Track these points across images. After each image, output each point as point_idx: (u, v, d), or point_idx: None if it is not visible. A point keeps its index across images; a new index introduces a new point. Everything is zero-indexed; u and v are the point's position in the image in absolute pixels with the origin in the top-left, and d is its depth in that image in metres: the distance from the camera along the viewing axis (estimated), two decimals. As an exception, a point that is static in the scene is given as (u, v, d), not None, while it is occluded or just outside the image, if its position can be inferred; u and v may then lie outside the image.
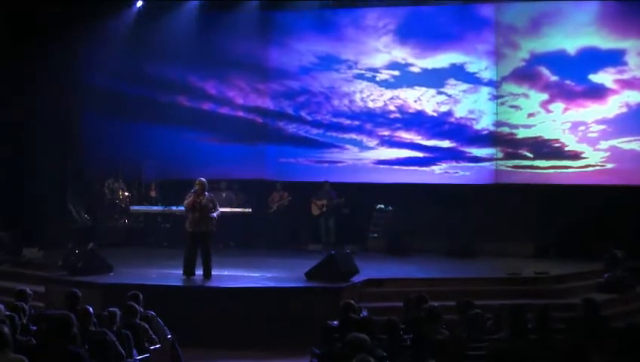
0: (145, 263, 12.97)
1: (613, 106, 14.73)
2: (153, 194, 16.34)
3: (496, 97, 15.58)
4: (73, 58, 15.60)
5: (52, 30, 15.23)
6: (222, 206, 15.13)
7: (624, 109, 14.68)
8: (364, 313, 8.47)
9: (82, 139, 16.03)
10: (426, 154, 15.96)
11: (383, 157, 16.19)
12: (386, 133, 16.18)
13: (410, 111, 16.05)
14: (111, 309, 7.64)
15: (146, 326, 8.01)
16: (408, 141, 16.05)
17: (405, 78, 16.02)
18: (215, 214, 11.42)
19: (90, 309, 7.44)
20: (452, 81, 15.79)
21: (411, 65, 16.00)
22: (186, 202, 11.42)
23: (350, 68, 16.31)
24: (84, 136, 16.03)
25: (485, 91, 15.66)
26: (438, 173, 15.94)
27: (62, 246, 13.05)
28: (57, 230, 14.81)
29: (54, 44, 15.19)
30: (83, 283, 10.72)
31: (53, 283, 11.27)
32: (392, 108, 16.16)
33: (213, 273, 11.45)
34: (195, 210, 11.27)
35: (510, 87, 15.48)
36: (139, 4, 16.38)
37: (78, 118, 15.99)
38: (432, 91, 15.91)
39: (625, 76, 14.67)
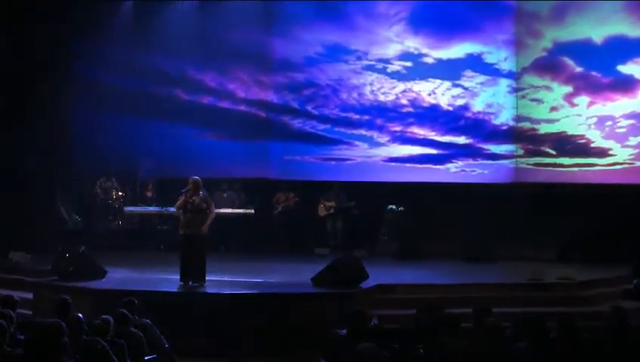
0: (140, 268, 13.01)
1: (643, 100, 14.72)
2: (149, 194, 16.37)
3: (516, 90, 15.57)
4: (64, 48, 15.63)
5: (43, 20, 15.27)
6: (223, 207, 15.27)
7: (655, 103, 14.68)
8: (375, 321, 8.49)
9: (73, 135, 16.07)
10: (441, 151, 15.95)
11: (394, 155, 16.18)
12: (398, 128, 16.18)
13: (424, 105, 16.05)
14: (104, 317, 7.67)
15: (142, 335, 8.04)
16: (422, 137, 16.05)
17: (418, 69, 16.02)
18: (210, 216, 11.38)
19: (82, 317, 7.47)
20: (469, 73, 15.78)
21: (425, 55, 15.99)
22: (177, 203, 11.47)
23: (359, 59, 16.31)
24: (74, 132, 16.07)
25: (504, 83, 15.65)
26: (454, 171, 15.93)
27: (51, 250, 13.08)
28: (46, 232, 14.85)
29: (45, 34, 15.24)
30: (74, 288, 10.76)
31: (42, 288, 11.31)
32: (404, 101, 16.16)
33: (213, 278, 11.46)
34: (186, 211, 11.29)
35: (531, 79, 15.46)
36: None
37: (69, 113, 16.02)
38: (448, 84, 15.91)
39: (656, 67, 14.67)
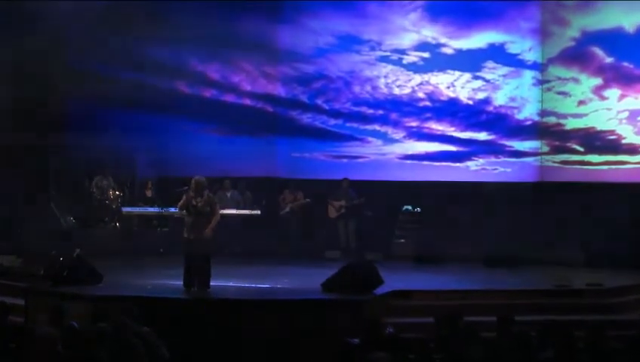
0: (139, 272, 13.03)
1: (678, 93, 14.69)
2: (149, 193, 16.40)
3: (541, 82, 15.55)
4: (55, 36, 15.66)
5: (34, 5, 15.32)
6: (227, 207, 15.28)
7: (691, 96, 14.64)
8: (390, 329, 8.48)
9: (66, 130, 16.09)
10: (460, 148, 15.94)
11: (410, 152, 16.18)
12: (414, 123, 16.18)
13: (442, 98, 16.04)
14: (100, 325, 7.68)
15: (141, 343, 8.05)
16: (440, 133, 16.04)
17: (436, 60, 16.01)
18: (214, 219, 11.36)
19: (77, 325, 7.48)
20: (490, 64, 15.76)
21: (443, 45, 15.97)
22: (179, 203, 11.49)
23: (373, 49, 16.31)
24: (68, 127, 16.09)
25: (529, 75, 15.64)
26: (474, 169, 15.92)
27: (44, 253, 13.12)
28: (39, 234, 14.88)
29: (35, 21, 15.27)
30: (69, 294, 10.78)
31: (34, 294, 11.33)
32: (421, 95, 16.15)
33: (218, 284, 11.47)
34: (189, 213, 11.29)
35: (558, 71, 15.44)
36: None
37: (62, 106, 16.04)
38: (468, 76, 15.90)
39: (692, 58, 14.63)
